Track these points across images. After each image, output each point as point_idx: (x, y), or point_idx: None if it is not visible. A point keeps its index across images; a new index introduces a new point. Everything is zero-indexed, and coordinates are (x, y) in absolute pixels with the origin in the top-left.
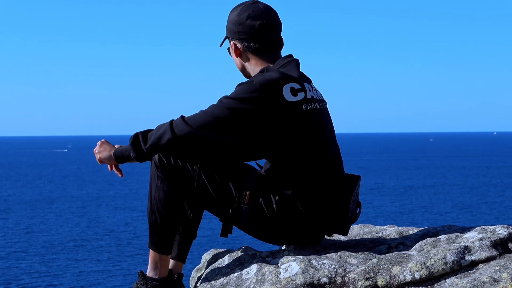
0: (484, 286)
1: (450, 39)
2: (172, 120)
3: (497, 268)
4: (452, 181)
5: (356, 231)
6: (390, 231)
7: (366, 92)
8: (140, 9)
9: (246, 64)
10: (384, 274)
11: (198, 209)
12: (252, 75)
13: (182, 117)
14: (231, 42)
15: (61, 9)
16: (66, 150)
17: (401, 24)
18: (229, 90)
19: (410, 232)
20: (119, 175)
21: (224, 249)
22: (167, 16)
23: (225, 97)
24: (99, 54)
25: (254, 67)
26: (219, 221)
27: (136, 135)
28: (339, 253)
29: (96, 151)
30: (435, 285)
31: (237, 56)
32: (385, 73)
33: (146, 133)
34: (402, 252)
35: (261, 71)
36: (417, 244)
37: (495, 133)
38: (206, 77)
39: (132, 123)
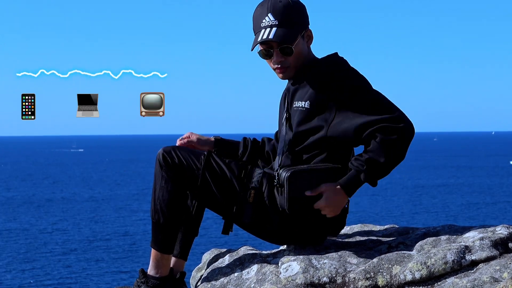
0: (484, 285)
1: (449, 40)
2: (397, 126)
3: (497, 267)
4: (460, 181)
5: (356, 231)
6: (390, 231)
7: None
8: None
9: (310, 53)
10: (384, 273)
11: (200, 208)
12: (305, 63)
13: (393, 118)
14: (306, 34)
15: (66, 8)
16: (82, 150)
17: (403, 24)
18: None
19: (410, 232)
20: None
21: (224, 249)
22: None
23: (363, 87)
24: (103, 53)
25: (310, 54)
26: (221, 219)
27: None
28: (339, 253)
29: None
30: (436, 284)
31: (310, 45)
32: (388, 73)
33: (376, 162)
34: (402, 251)
35: (327, 61)
36: (417, 244)
37: (493, 133)
38: (207, 79)
39: (131, 123)
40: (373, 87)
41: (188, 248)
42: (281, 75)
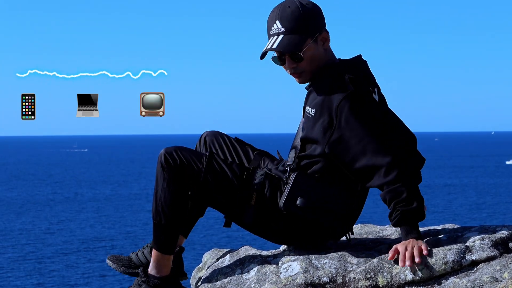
0: (484, 285)
1: (450, 40)
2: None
3: (497, 267)
4: (461, 181)
5: (357, 231)
6: (390, 231)
7: None
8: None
9: (327, 55)
10: (384, 273)
11: (202, 206)
12: (321, 66)
13: (398, 156)
14: (320, 37)
15: (67, 9)
16: (86, 150)
17: (402, 24)
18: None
19: None
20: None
21: (224, 249)
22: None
23: (369, 110)
24: (103, 53)
25: (327, 56)
26: (223, 218)
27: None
28: (339, 253)
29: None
30: (436, 284)
31: (327, 47)
32: (389, 73)
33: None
34: None
35: (344, 65)
36: None
37: (493, 133)
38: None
39: (131, 123)
40: (384, 108)
41: (191, 226)
42: (297, 80)
